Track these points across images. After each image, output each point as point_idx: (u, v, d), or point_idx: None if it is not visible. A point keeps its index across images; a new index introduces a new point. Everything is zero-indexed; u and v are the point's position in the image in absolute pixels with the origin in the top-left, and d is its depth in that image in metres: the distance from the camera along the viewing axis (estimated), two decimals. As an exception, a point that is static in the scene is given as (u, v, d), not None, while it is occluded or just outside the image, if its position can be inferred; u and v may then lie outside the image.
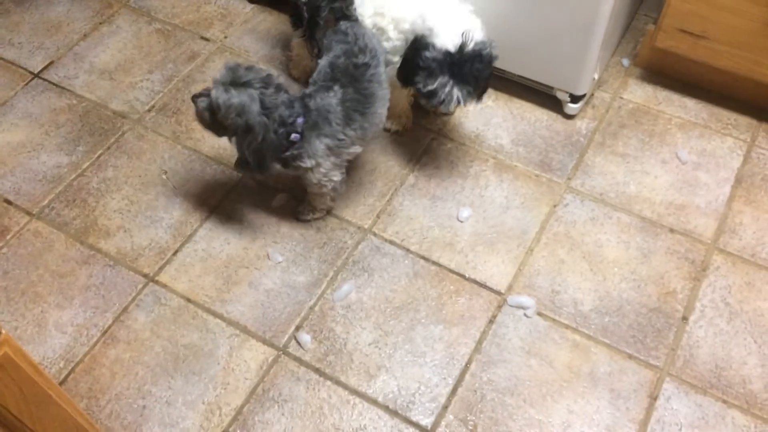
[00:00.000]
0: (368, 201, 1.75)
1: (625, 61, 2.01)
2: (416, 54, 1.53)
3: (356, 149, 1.58)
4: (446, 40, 1.50)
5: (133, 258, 1.66)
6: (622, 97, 1.94)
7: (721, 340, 1.50)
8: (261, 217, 1.73)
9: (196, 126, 1.61)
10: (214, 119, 1.45)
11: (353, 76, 1.51)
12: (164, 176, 1.80)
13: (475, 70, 1.51)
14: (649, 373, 1.47)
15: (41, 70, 2.03)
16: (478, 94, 1.59)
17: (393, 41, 1.63)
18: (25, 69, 2.04)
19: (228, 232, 1.70)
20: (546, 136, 1.86)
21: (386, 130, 1.86)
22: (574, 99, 1.84)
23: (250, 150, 1.45)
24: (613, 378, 1.46)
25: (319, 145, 1.51)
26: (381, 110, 1.58)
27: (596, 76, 1.86)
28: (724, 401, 1.43)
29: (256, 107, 1.41)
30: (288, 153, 1.50)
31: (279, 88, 1.47)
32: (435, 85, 1.51)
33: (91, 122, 1.91)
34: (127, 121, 1.92)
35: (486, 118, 1.89)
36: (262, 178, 1.77)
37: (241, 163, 1.51)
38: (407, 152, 1.84)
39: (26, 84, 2.00)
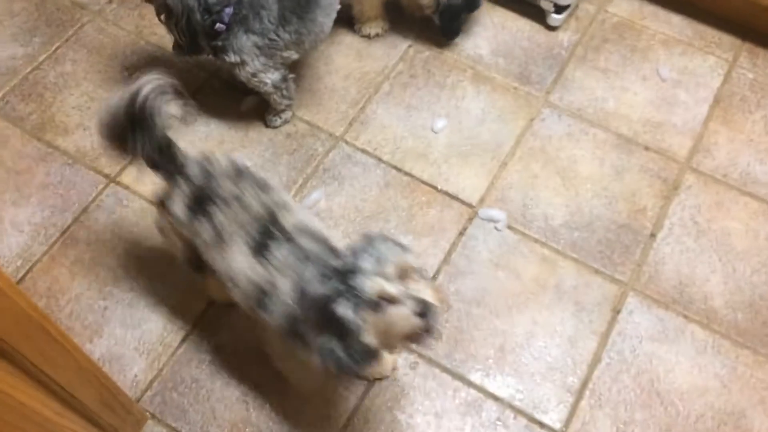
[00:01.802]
0: (341, 108, 1.69)
1: (613, -27, 1.93)
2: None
3: (291, 54, 1.50)
4: None
5: (93, 157, 1.59)
6: (607, 11, 1.87)
7: (687, 257, 1.52)
8: (228, 121, 1.66)
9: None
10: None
11: None
12: (126, 74, 1.71)
13: None
14: (614, 288, 1.48)
15: (-8, -46, 1.89)
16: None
17: None
18: (-26, -48, 1.89)
19: (194, 134, 1.63)
20: (527, 48, 1.80)
21: (363, 36, 1.78)
22: (559, 9, 1.77)
23: (178, 30, 1.39)
24: (579, 291, 1.47)
25: (246, 41, 1.43)
26: (323, 19, 1.49)
27: (582, -14, 1.79)
28: (685, 316, 1.45)
29: None
30: (215, 43, 1.44)
31: None
32: None
33: (48, 12, 1.79)
34: (87, 12, 1.80)
35: (466, 27, 1.82)
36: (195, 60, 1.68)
37: (175, 45, 1.45)
38: (383, 59, 1.77)
39: (-24, -32, 1.86)
